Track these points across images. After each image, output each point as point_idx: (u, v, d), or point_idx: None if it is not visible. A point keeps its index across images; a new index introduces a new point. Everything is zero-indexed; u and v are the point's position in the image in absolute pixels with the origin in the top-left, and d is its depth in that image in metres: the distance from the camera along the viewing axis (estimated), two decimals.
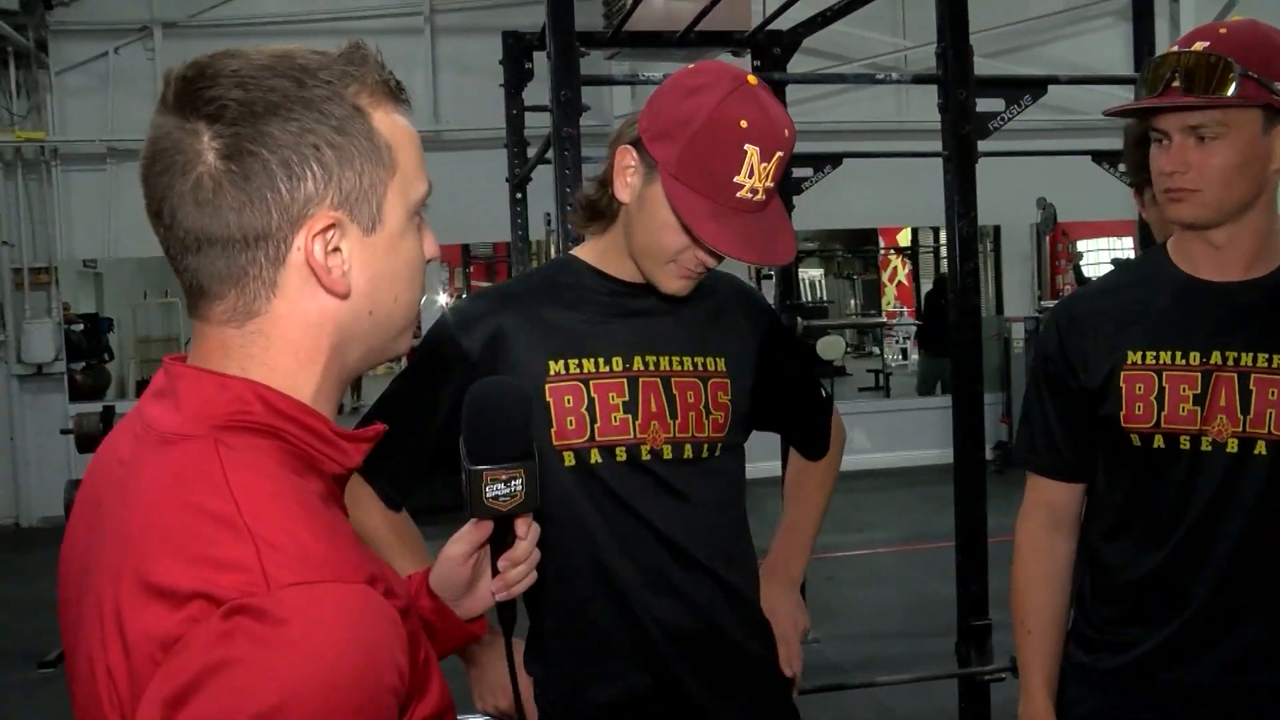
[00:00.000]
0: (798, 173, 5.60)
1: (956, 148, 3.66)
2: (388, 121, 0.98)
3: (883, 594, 6.65)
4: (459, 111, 9.40)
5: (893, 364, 15.64)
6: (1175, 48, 1.72)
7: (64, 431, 6.98)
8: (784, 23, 5.51)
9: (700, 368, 1.83)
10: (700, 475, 1.82)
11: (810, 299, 20.14)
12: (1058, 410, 1.91)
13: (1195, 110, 1.68)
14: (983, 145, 3.97)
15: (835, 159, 5.67)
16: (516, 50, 5.28)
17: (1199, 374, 1.77)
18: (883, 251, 18.69)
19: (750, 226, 1.64)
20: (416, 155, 1.01)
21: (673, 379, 1.80)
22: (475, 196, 7.94)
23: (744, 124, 1.60)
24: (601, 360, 1.78)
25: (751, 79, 1.64)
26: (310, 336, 0.97)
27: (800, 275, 19.75)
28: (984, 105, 3.85)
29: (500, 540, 1.25)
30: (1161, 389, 1.78)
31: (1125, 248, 13.00)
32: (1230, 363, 1.76)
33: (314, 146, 0.92)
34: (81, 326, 11.10)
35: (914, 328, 15.15)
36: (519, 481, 1.20)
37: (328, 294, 0.96)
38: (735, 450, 1.90)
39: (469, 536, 1.27)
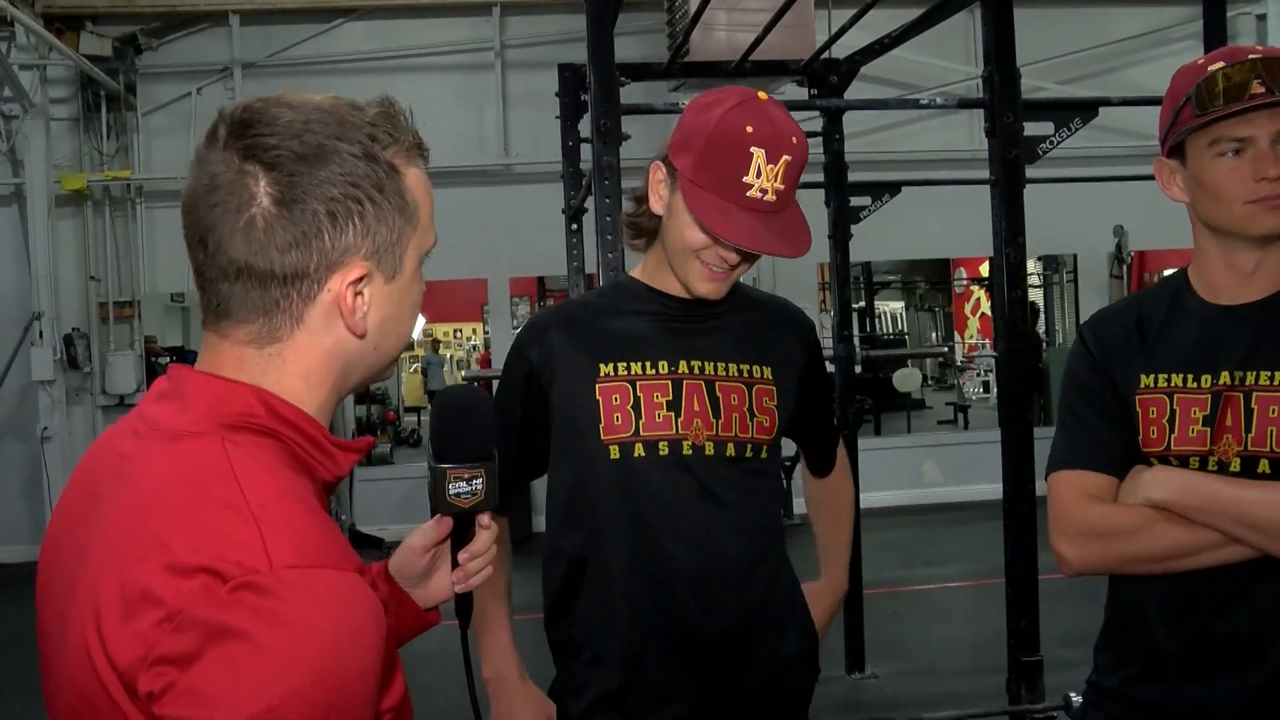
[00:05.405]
0: (855, 201, 5.56)
1: (1003, 173, 3.58)
2: (414, 179, 1.08)
3: (949, 629, 6.50)
4: (528, 145, 9.49)
5: (972, 397, 15.38)
6: (1223, 63, 1.66)
7: None
8: (842, 51, 5.47)
9: (745, 374, 1.94)
10: (740, 474, 1.92)
11: (891, 331, 19.92)
12: (1101, 419, 1.81)
13: None
14: (1041, 171, 3.90)
15: (894, 187, 5.62)
16: (571, 83, 5.30)
17: (1209, 395, 1.73)
18: (964, 283, 18.42)
19: (760, 224, 1.75)
20: (431, 209, 1.12)
21: (717, 383, 1.92)
22: (543, 229, 7.99)
23: (749, 129, 1.74)
24: (648, 363, 1.91)
25: (761, 94, 1.80)
26: (322, 364, 1.07)
27: (880, 307, 19.62)
28: (1034, 130, 3.78)
29: (461, 536, 1.32)
30: (1173, 411, 1.75)
31: None
32: (1237, 382, 1.72)
33: (357, 201, 1.03)
34: (168, 359, 11.38)
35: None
36: (480, 480, 1.27)
37: (346, 331, 1.07)
38: (777, 455, 1.99)
39: (430, 531, 1.34)
